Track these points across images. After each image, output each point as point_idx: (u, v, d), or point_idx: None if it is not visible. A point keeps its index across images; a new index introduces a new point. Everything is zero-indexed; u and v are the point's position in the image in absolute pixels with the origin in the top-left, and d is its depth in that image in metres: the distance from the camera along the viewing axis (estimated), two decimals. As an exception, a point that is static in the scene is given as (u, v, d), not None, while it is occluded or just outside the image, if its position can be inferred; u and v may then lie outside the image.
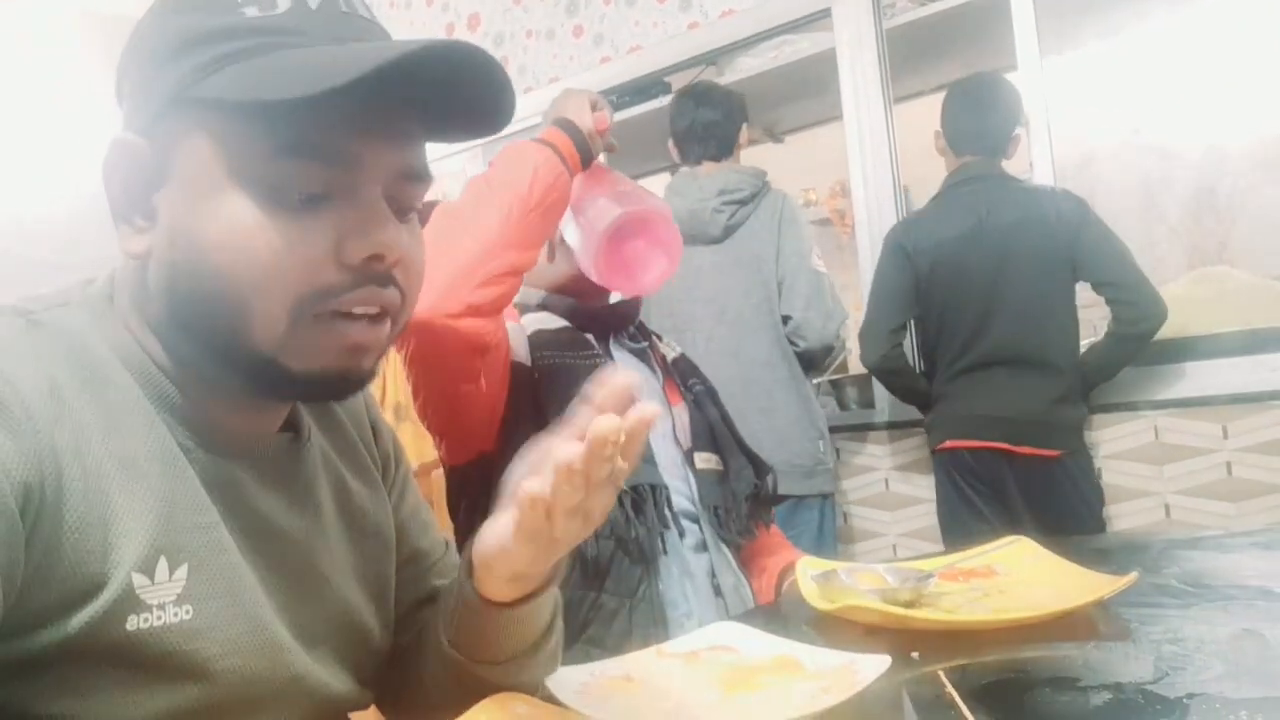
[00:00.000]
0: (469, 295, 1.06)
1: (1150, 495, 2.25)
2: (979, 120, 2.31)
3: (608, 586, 1.13)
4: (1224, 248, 3.26)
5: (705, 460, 1.28)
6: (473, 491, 1.22)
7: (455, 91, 0.59)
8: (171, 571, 0.55)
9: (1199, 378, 2.20)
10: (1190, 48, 2.97)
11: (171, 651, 0.55)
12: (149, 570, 0.54)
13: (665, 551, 1.17)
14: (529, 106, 3.39)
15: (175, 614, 0.55)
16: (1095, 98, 2.92)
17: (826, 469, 2.36)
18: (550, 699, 0.68)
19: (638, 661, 0.80)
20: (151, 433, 0.58)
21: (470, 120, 0.63)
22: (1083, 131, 2.88)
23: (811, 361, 2.41)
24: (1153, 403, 2.24)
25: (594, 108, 1.24)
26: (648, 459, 1.21)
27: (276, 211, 0.56)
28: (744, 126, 2.54)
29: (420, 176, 0.62)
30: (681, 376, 1.36)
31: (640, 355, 1.33)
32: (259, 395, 0.62)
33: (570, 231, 1.26)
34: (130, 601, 0.53)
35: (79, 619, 0.51)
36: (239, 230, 0.55)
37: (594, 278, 1.23)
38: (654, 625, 1.12)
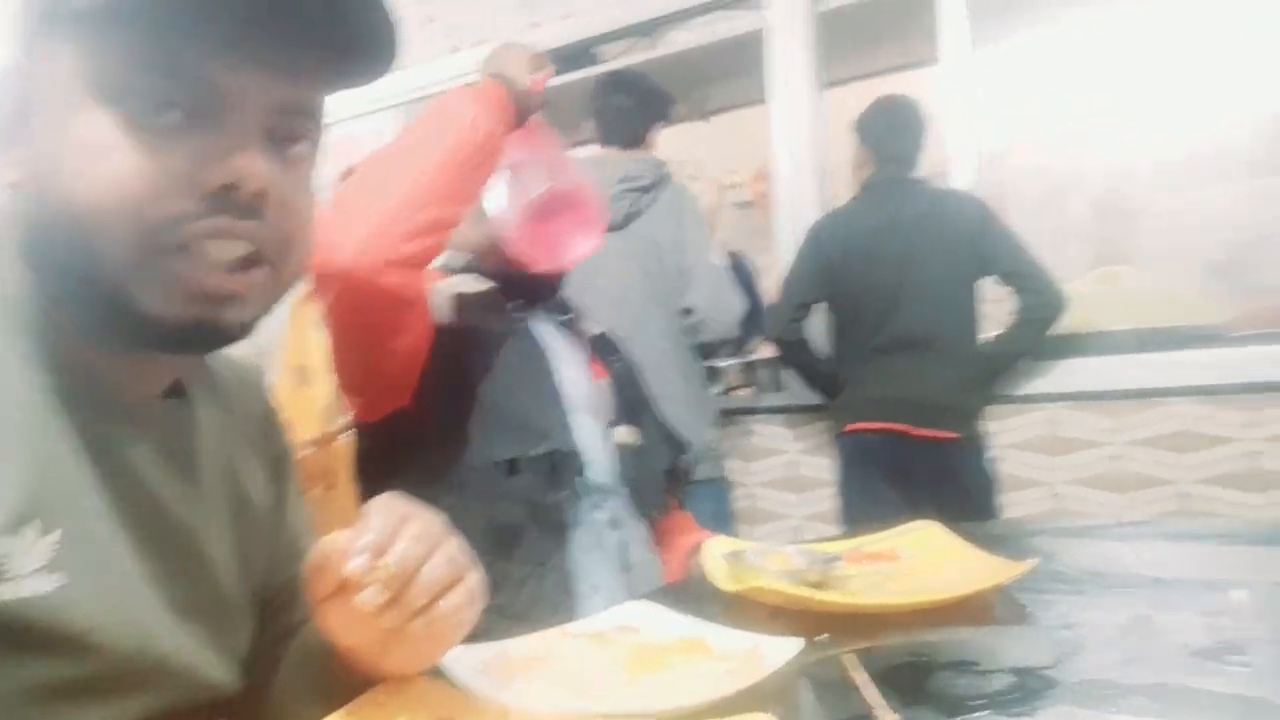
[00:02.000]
0: (395, 246, 1.02)
1: (1043, 485, 2.33)
2: (901, 141, 2.42)
3: (517, 554, 1.11)
4: (1126, 249, 3.40)
5: (625, 434, 1.27)
6: (384, 451, 1.18)
7: (331, 18, 0.55)
8: (36, 540, 0.51)
9: (1095, 373, 2.29)
10: (1108, 55, 3.07)
11: (31, 624, 0.50)
12: (12, 534, 0.50)
13: (577, 523, 1.15)
14: (457, 66, 3.32)
15: (38, 585, 0.50)
16: (1017, 96, 3.00)
17: (717, 454, 2.43)
18: (451, 679, 0.65)
19: (542, 641, 0.79)
20: (21, 387, 0.54)
21: (353, 52, 0.59)
22: (1001, 128, 2.95)
23: (711, 351, 2.45)
24: (1049, 395, 2.33)
25: (534, 66, 1.18)
26: (563, 425, 1.18)
27: (131, 132, 0.52)
28: (659, 125, 2.53)
29: (304, 112, 0.58)
30: (603, 352, 1.35)
31: (566, 326, 1.31)
32: (121, 340, 0.57)
33: (495, 194, 1.22)
34: None
35: None
36: (91, 150, 0.52)
37: (511, 248, 1.19)
38: (562, 595, 1.10)
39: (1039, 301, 2.23)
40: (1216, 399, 2.16)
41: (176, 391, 0.65)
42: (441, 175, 1.05)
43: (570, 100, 3.14)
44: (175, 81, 0.52)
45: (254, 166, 0.54)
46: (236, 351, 0.65)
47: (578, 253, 1.21)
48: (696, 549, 1.31)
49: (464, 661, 0.68)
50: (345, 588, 0.56)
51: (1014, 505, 2.36)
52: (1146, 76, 3.15)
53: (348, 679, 0.62)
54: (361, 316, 1.07)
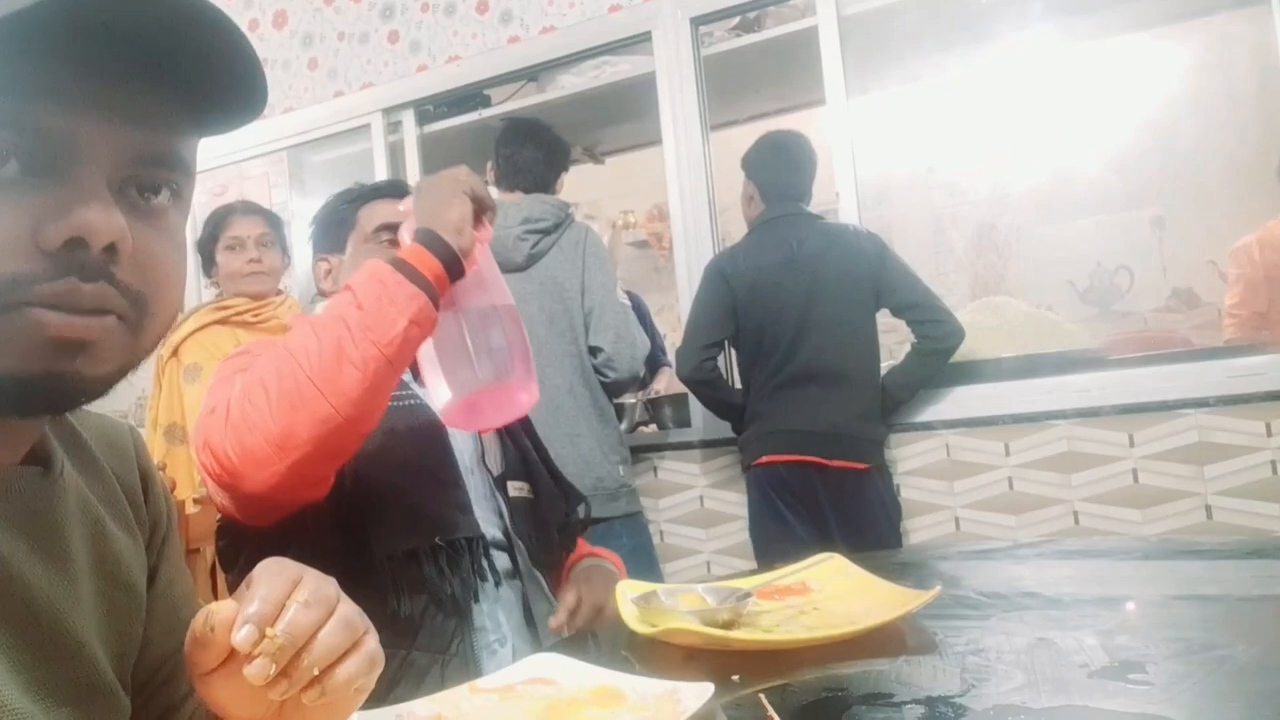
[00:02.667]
0: (313, 470, 0.96)
1: (942, 509, 2.40)
2: (789, 175, 2.47)
3: (419, 643, 1.06)
4: (1002, 279, 3.57)
5: (517, 489, 1.24)
6: (260, 546, 1.05)
7: (180, 54, 0.52)
8: None
9: (985, 399, 2.38)
10: (980, 96, 3.24)
11: None
12: None
13: (478, 600, 1.12)
14: (341, 111, 3.27)
15: None
16: (893, 135, 3.12)
17: (631, 490, 2.42)
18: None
19: (449, 700, 0.75)
20: None
21: (214, 99, 0.55)
22: (882, 166, 3.07)
23: (618, 389, 2.45)
24: (945, 422, 2.40)
25: (479, 209, 1.06)
26: (464, 510, 1.15)
27: None
28: (562, 175, 2.56)
29: (163, 163, 0.54)
30: None
31: None
32: None
33: (425, 365, 1.11)
34: None
35: None
36: None
37: (438, 412, 1.13)
38: (468, 677, 1.06)
39: (937, 332, 2.30)
40: (1099, 419, 2.26)
41: (38, 459, 0.60)
42: (366, 396, 0.94)
43: (460, 143, 3.12)
44: (11, 135, 0.48)
45: (100, 219, 0.49)
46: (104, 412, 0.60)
47: (503, 421, 1.17)
48: (579, 560, 1.31)
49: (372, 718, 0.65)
50: (232, 660, 0.52)
51: (918, 530, 2.41)
52: (1014, 119, 3.33)
53: None
54: (264, 511, 1.02)
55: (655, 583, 1.07)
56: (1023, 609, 0.94)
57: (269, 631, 0.51)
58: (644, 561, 2.37)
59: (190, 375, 2.37)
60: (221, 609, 0.51)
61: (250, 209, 2.56)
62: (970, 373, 2.41)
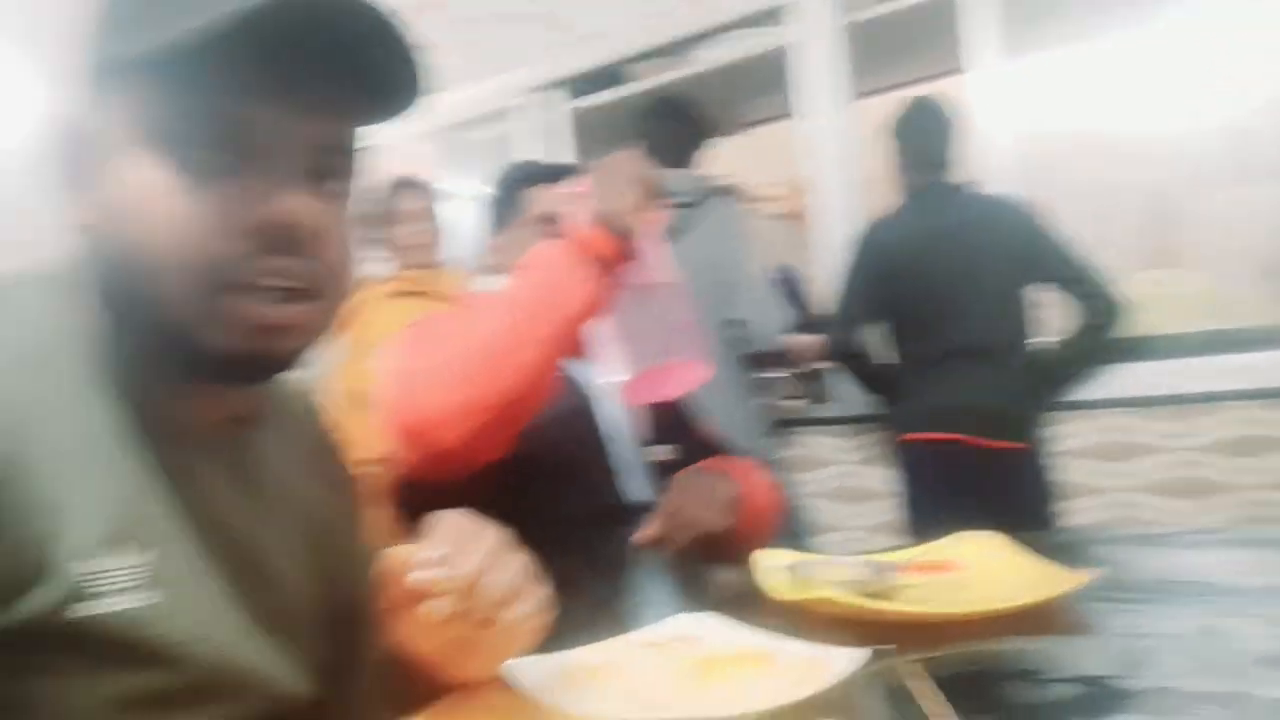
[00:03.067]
0: (498, 433, 1.02)
1: (1105, 492, 2.29)
2: (934, 142, 2.38)
3: (577, 600, 1.11)
4: (1174, 250, 3.34)
5: (665, 452, 1.27)
6: (426, 504, 1.17)
7: (357, 53, 0.57)
8: (126, 560, 0.54)
9: (1157, 377, 2.25)
10: (1148, 52, 3.03)
11: (127, 638, 0.53)
12: (102, 557, 0.53)
13: (630, 565, 1.16)
14: (495, 89, 3.37)
15: (133, 599, 0.54)
16: (1052, 99, 2.96)
17: (776, 465, 2.43)
18: (517, 688, 0.67)
19: (604, 651, 0.80)
20: (106, 418, 0.57)
21: (383, 90, 0.60)
22: (1038, 132, 2.92)
23: (759, 362, 2.44)
24: (1109, 400, 2.28)
25: (650, 193, 1.08)
26: (617, 475, 1.20)
27: (181, 177, 0.55)
28: (705, 149, 2.58)
29: (339, 149, 0.61)
30: None
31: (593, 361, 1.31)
32: (185, 373, 0.60)
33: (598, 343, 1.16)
34: (83, 588, 0.52)
35: (28, 605, 0.50)
36: (147, 198, 0.55)
37: (618, 393, 1.17)
38: (621, 636, 1.11)
39: (1097, 307, 2.18)
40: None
41: (242, 421, 0.68)
42: (544, 368, 1.01)
43: (611, 119, 3.17)
44: (218, 127, 0.55)
45: (299, 204, 0.56)
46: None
47: (678, 392, 1.17)
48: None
49: (531, 672, 0.69)
50: (414, 598, 0.58)
51: (1076, 513, 2.31)
52: (1187, 74, 3.09)
53: (418, 689, 0.64)
54: (452, 468, 1.07)
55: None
56: (1188, 595, 0.90)
57: (448, 574, 0.56)
58: (789, 534, 2.38)
59: (364, 346, 2.46)
60: (406, 551, 0.57)
61: (412, 182, 2.65)
62: (1139, 349, 2.28)
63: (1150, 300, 2.36)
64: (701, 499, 1.16)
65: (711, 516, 1.14)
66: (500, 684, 0.67)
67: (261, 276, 0.56)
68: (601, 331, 1.14)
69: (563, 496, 1.14)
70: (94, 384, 0.57)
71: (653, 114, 2.55)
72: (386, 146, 3.65)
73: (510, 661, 0.68)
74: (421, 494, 1.16)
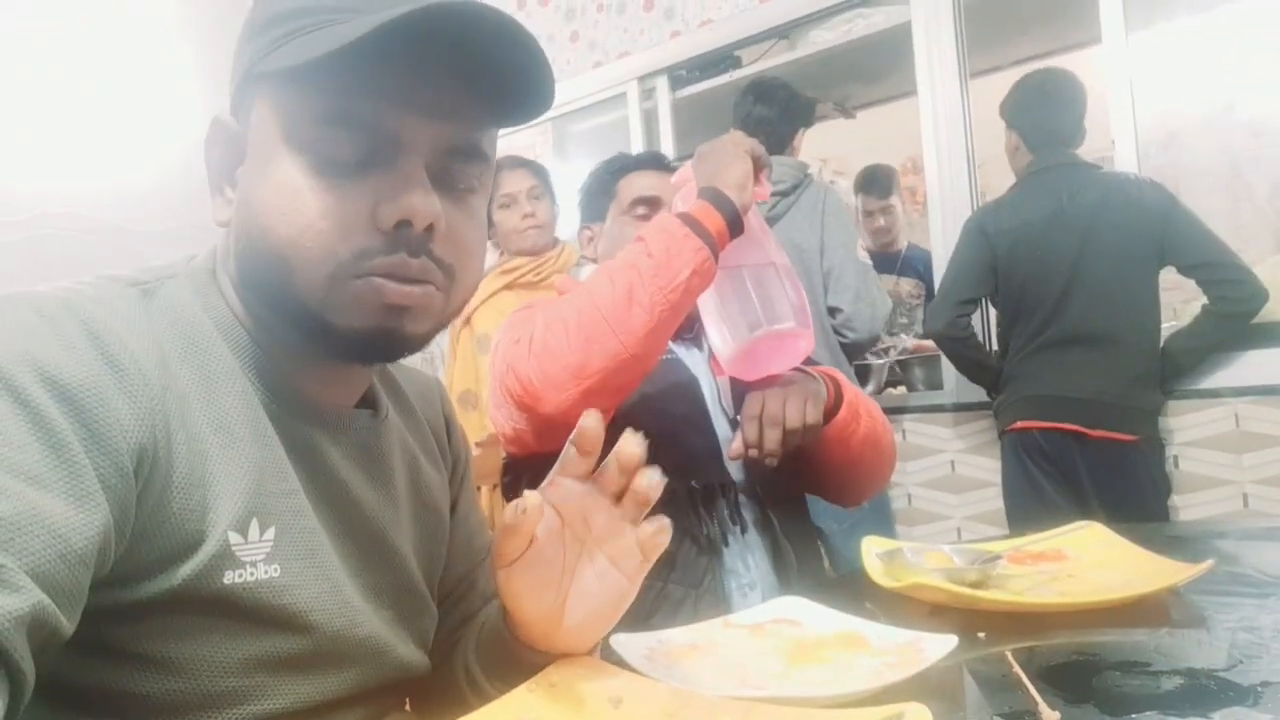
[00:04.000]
0: (603, 401, 1.05)
1: (1228, 484, 2.19)
2: (1054, 118, 2.30)
3: (674, 577, 1.15)
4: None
5: None
6: (537, 477, 1.23)
7: (484, 60, 0.60)
8: (261, 532, 0.59)
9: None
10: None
11: (262, 605, 0.58)
12: (242, 530, 0.58)
13: (728, 544, 1.18)
14: (600, 80, 3.43)
15: (265, 571, 0.59)
16: (1182, 73, 2.81)
17: None
18: (619, 663, 0.70)
19: (704, 631, 0.82)
20: (244, 400, 0.62)
21: (507, 93, 0.63)
22: (1168, 108, 2.78)
23: (857, 349, 2.42)
24: (1234, 389, 2.17)
25: (757, 166, 1.14)
26: (716, 456, 1.22)
27: (319, 177, 0.59)
28: (801, 130, 2.54)
29: (469, 153, 0.64)
30: None
31: (693, 343, 1.34)
32: (318, 354, 0.65)
33: (702, 296, 1.18)
34: (227, 558, 0.57)
35: (182, 571, 0.55)
36: (285, 193, 0.59)
37: (721, 362, 1.21)
38: (718, 612, 1.13)
39: (1236, 293, 2.07)
40: None
41: (368, 403, 0.74)
42: (651, 336, 1.05)
43: (712, 106, 3.17)
44: (352, 132, 0.59)
45: (423, 204, 0.60)
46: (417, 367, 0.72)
47: (783, 368, 1.20)
48: None
49: (630, 647, 0.73)
50: (532, 548, 0.63)
51: (1197, 506, 2.21)
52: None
53: (521, 658, 0.68)
54: (556, 435, 1.12)
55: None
56: (1308, 590, 0.87)
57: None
58: (881, 521, 2.35)
59: (482, 345, 2.48)
60: (530, 495, 0.61)
61: (516, 162, 2.57)
62: (1268, 335, 2.15)
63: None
64: (784, 396, 1.14)
65: (797, 411, 1.12)
66: (601, 657, 0.70)
67: (386, 270, 0.60)
68: (709, 308, 1.17)
69: (668, 475, 1.17)
70: (235, 370, 0.62)
71: (741, 98, 2.54)
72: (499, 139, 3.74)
73: (613, 637, 0.72)
74: (530, 472, 1.24)
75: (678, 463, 1.18)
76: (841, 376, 1.24)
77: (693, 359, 1.31)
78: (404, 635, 0.71)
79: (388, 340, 0.63)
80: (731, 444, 1.16)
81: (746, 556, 1.19)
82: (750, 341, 1.13)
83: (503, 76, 0.61)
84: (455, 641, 0.82)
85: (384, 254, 0.60)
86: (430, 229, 0.61)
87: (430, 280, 0.62)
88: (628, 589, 0.67)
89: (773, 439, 1.12)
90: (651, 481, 0.66)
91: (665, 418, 1.21)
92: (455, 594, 0.84)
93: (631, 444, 0.64)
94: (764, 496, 1.24)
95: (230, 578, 0.57)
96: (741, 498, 1.22)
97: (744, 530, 1.20)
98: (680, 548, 1.16)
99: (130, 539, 0.54)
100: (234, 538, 0.57)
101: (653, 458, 1.17)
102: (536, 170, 2.55)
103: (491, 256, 2.78)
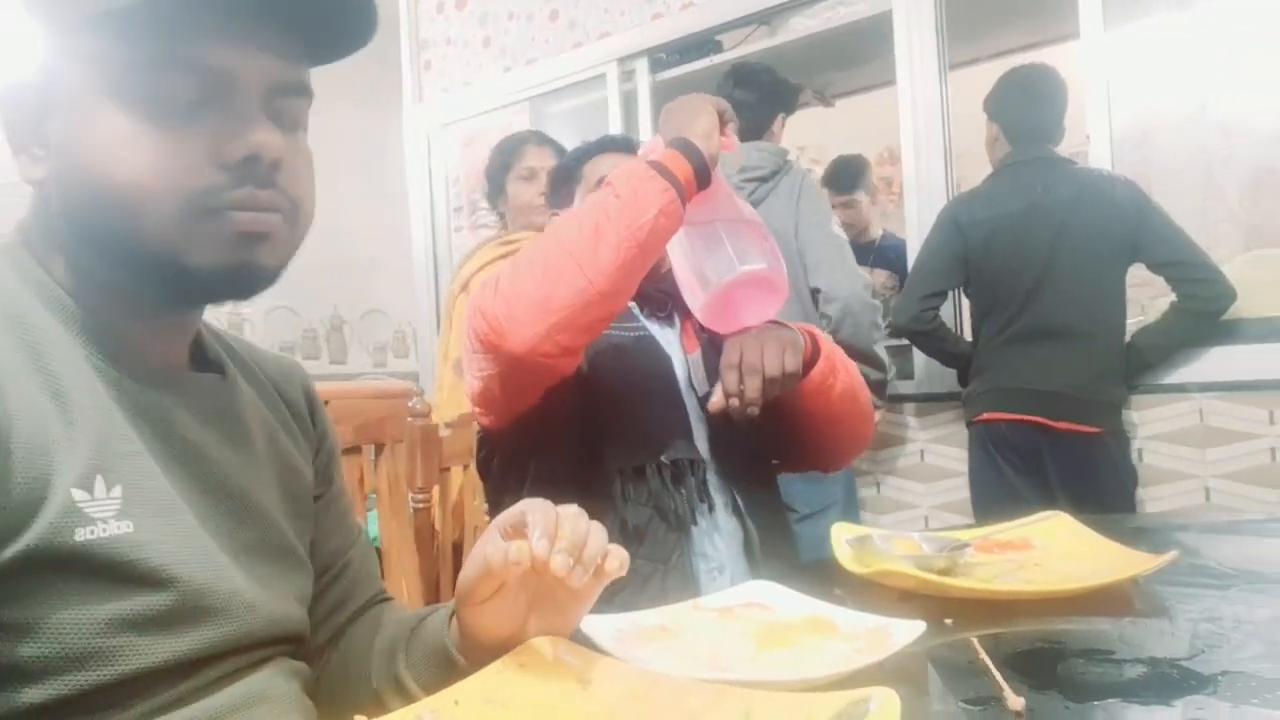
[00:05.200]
0: (568, 340, 1.06)
1: (1191, 478, 2.22)
2: (1035, 113, 2.31)
3: (642, 552, 1.15)
4: (1278, 230, 3.17)
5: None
6: (513, 455, 1.24)
7: (312, 3, 0.62)
8: (108, 490, 0.59)
9: (1248, 361, 2.16)
10: (1260, 23, 2.88)
11: (117, 561, 0.58)
12: (88, 487, 0.58)
13: (696, 522, 1.19)
14: (579, 61, 3.40)
15: (118, 527, 0.58)
16: (1158, 71, 2.84)
17: None
18: (587, 644, 0.70)
19: (673, 613, 0.82)
20: (75, 366, 0.61)
21: (333, 30, 0.65)
22: (1143, 105, 2.81)
23: (856, 338, 2.34)
24: (1199, 384, 2.21)
25: (723, 120, 1.15)
26: (686, 432, 1.22)
27: (152, 122, 0.59)
28: (782, 116, 2.53)
29: (297, 89, 0.65)
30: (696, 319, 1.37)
31: (666, 321, 1.34)
32: (170, 302, 0.66)
33: (675, 252, 1.20)
34: (74, 514, 0.57)
35: (32, 533, 0.55)
36: (119, 143, 0.59)
37: (694, 309, 1.20)
38: (686, 588, 1.14)
39: (1204, 292, 2.10)
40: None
41: (214, 368, 0.74)
42: (618, 274, 1.05)
43: (692, 90, 3.15)
44: (183, 74, 0.60)
45: (268, 138, 0.61)
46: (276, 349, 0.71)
47: (758, 319, 1.19)
48: None
49: (599, 628, 0.73)
50: (502, 589, 0.66)
51: (1161, 499, 2.25)
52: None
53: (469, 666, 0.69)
54: (521, 384, 1.14)
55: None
56: (1269, 582, 0.88)
57: (561, 533, 0.63)
58: (849, 509, 2.36)
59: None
60: (518, 544, 0.62)
61: (543, 139, 2.48)
62: (1234, 332, 2.18)
63: (1251, 281, 2.27)
64: (762, 344, 1.14)
65: (775, 358, 1.12)
66: (570, 640, 0.70)
67: (238, 202, 0.61)
68: (682, 262, 1.18)
69: (638, 450, 1.18)
70: (62, 337, 0.62)
71: (721, 83, 2.53)
72: (475, 118, 3.72)
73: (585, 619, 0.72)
74: (504, 450, 1.25)
75: (648, 438, 1.19)
76: (819, 331, 1.24)
77: (666, 337, 1.31)
78: (278, 591, 0.71)
79: (246, 273, 0.63)
80: (711, 398, 1.16)
81: (715, 539, 1.20)
82: (724, 286, 1.13)
83: (327, 11, 0.64)
84: (338, 625, 0.83)
85: (232, 188, 0.61)
86: (276, 164, 0.62)
87: (278, 209, 0.64)
88: (579, 614, 0.70)
89: (753, 386, 1.11)
90: (620, 561, 0.66)
91: (638, 393, 1.22)
92: (332, 570, 0.84)
93: (562, 565, 0.62)
94: (734, 477, 1.24)
95: (82, 534, 0.57)
96: (711, 477, 1.22)
97: (712, 509, 1.21)
98: (649, 524, 1.16)
99: None
100: (78, 494, 0.57)
101: (625, 432, 1.18)
102: (561, 152, 2.42)
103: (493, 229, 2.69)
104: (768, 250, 1.15)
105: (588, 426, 1.19)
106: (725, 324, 1.19)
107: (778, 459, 1.36)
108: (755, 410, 1.12)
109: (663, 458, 1.18)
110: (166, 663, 0.60)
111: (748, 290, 1.15)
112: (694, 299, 1.18)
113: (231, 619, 0.65)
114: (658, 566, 1.15)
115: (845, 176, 3.52)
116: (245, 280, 0.64)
